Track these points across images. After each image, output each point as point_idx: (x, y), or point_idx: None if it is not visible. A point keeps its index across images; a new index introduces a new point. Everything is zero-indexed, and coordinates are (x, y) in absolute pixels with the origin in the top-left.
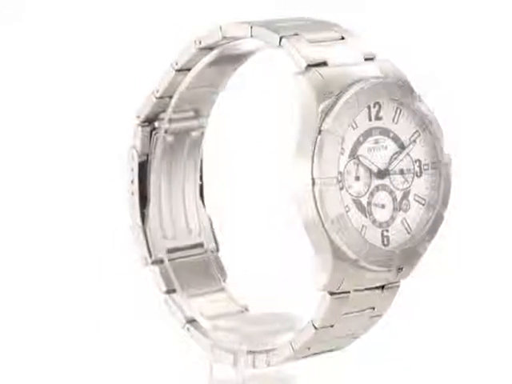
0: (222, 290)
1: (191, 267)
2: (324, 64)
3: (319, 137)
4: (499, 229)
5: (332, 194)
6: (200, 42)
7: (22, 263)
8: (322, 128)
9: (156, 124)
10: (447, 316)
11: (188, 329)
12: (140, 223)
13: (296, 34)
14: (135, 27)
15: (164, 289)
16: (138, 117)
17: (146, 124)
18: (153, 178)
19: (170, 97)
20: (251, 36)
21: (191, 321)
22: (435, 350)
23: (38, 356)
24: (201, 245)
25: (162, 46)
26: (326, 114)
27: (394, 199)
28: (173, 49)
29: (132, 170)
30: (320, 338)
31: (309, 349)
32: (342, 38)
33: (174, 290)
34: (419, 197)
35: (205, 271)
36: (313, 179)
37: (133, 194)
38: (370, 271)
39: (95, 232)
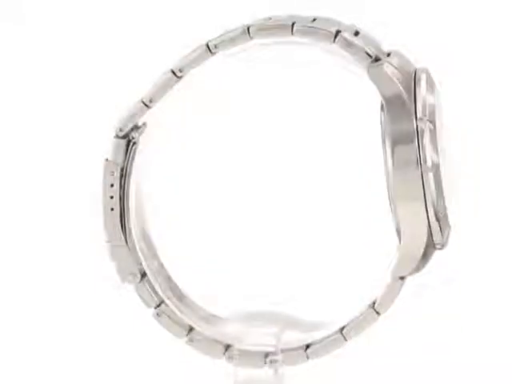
0: None
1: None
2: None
3: None
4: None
5: None
6: None
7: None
8: None
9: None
10: (447, 317)
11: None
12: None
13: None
14: (131, 29)
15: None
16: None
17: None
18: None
19: None
20: None
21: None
22: (435, 350)
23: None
24: None
25: (159, 48)
26: None
27: None
28: (171, 50)
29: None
30: None
31: None
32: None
33: (162, 302)
34: None
35: None
36: None
37: (113, 209)
38: None
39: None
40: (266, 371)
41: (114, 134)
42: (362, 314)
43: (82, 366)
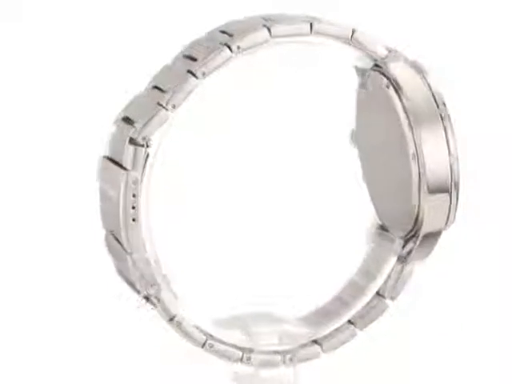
0: None
1: None
2: None
3: None
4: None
5: None
6: None
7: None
8: None
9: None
10: (446, 318)
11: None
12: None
13: None
14: (131, 27)
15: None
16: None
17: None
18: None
19: None
20: None
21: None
22: (434, 351)
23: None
24: None
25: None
26: None
27: None
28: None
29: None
30: None
31: None
32: None
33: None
34: None
35: None
36: None
37: (134, 219)
38: None
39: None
40: (284, 370)
41: (133, 142)
42: (368, 303)
43: (82, 368)
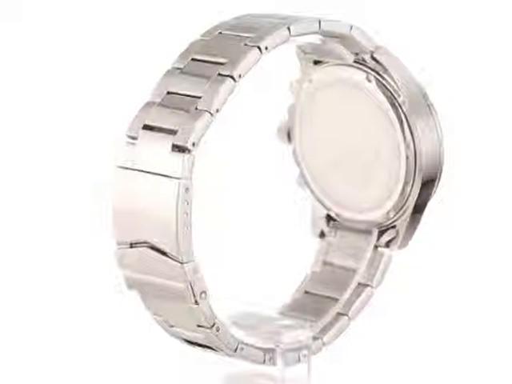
0: None
1: None
2: None
3: None
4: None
5: None
6: None
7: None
8: None
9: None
10: (445, 317)
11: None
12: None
13: None
14: (132, 27)
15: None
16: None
17: None
18: None
19: None
20: None
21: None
22: (433, 351)
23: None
24: None
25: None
26: None
27: None
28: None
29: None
30: None
31: None
32: None
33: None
34: None
35: None
36: None
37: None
38: None
39: None
40: (301, 367)
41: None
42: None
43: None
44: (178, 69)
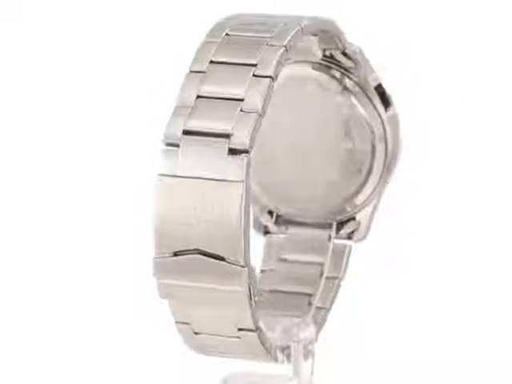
0: None
1: None
2: None
3: None
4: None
5: None
6: None
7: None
8: None
9: None
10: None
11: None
12: None
13: None
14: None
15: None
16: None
17: None
18: None
19: None
20: None
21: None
22: (432, 350)
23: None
24: None
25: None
26: None
27: None
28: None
29: None
30: None
31: None
32: None
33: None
34: None
35: None
36: None
37: None
38: None
39: None
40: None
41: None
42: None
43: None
44: (200, 72)
